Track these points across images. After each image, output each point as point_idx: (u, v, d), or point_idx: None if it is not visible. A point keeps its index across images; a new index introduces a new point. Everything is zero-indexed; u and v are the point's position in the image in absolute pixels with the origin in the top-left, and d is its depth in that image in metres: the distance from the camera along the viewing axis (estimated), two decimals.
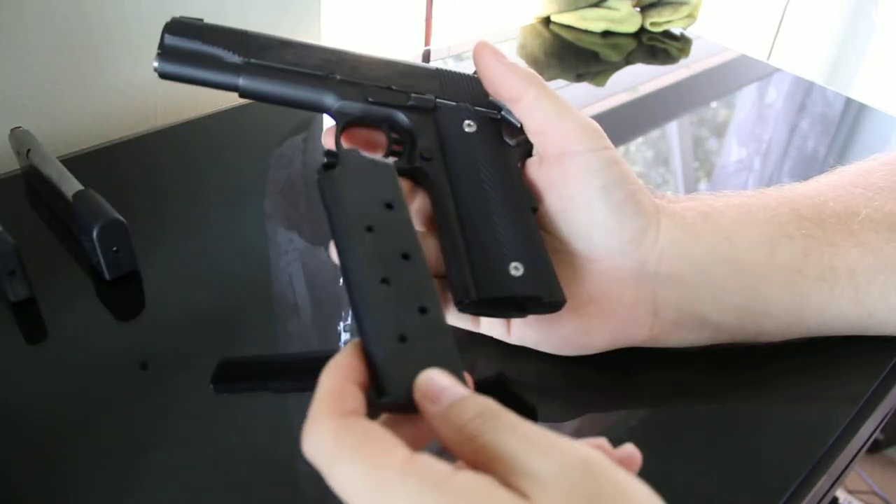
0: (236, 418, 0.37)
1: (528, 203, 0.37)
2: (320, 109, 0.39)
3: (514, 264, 0.35)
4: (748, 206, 0.39)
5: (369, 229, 0.27)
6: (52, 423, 0.36)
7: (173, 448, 0.35)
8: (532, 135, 0.37)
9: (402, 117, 0.39)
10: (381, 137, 0.40)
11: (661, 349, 0.40)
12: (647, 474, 0.36)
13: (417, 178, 0.38)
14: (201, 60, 0.38)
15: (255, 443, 0.36)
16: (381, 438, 0.22)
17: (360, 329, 0.26)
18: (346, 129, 0.38)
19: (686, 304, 0.37)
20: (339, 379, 0.24)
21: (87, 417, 0.36)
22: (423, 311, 0.26)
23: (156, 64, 0.38)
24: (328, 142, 0.39)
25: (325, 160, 0.29)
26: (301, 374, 0.41)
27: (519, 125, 0.38)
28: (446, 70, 0.41)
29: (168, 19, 0.38)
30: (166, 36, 0.38)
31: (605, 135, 0.36)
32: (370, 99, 0.38)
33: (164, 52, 0.37)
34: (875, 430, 0.45)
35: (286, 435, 0.37)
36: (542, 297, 0.35)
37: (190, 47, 0.37)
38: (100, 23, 0.58)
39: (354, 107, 0.38)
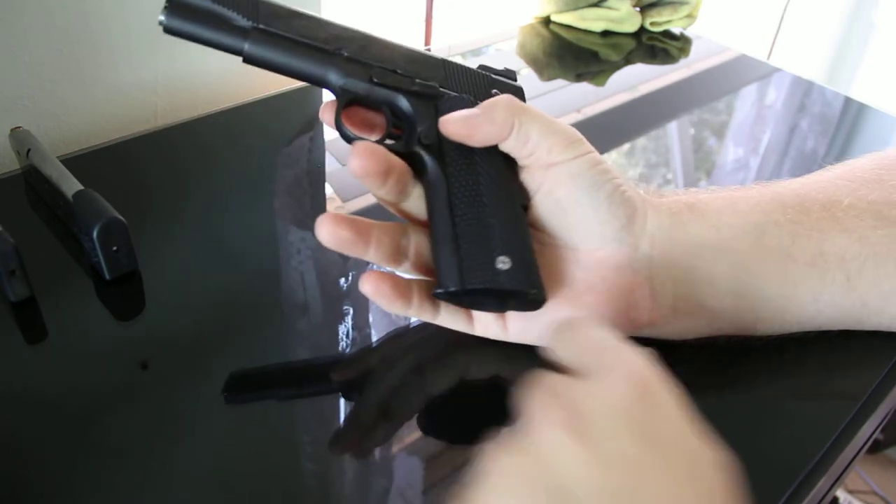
0: (237, 418, 0.37)
1: (519, 200, 0.38)
2: (323, 84, 0.39)
3: (501, 258, 0.35)
4: (732, 198, 0.40)
5: None
6: (51, 423, 0.36)
7: (173, 448, 0.35)
8: (521, 160, 0.38)
9: (403, 102, 0.39)
10: (379, 119, 0.40)
11: (659, 348, 0.40)
12: None
13: (414, 163, 0.38)
14: (208, 19, 0.37)
15: (256, 443, 0.36)
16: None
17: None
18: (347, 107, 0.38)
19: (681, 289, 0.38)
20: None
21: (86, 417, 0.36)
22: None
23: (162, 17, 0.36)
24: (326, 117, 0.39)
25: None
26: (306, 378, 0.41)
27: None
28: (452, 62, 0.41)
29: None
30: None
31: (585, 141, 0.38)
32: (375, 80, 0.38)
33: (172, 6, 0.37)
34: (875, 429, 0.45)
35: (288, 435, 0.37)
36: (526, 293, 0.35)
37: (198, 4, 0.37)
38: (100, 22, 0.58)
39: (358, 85, 0.38)
